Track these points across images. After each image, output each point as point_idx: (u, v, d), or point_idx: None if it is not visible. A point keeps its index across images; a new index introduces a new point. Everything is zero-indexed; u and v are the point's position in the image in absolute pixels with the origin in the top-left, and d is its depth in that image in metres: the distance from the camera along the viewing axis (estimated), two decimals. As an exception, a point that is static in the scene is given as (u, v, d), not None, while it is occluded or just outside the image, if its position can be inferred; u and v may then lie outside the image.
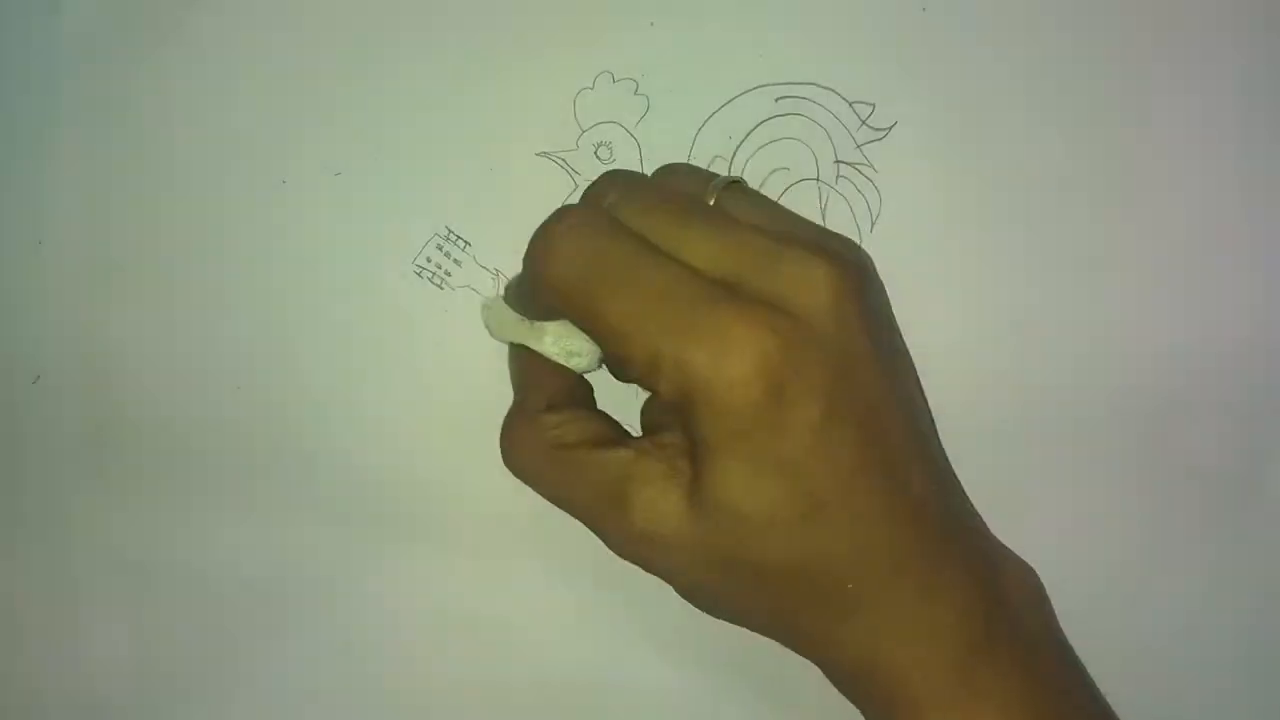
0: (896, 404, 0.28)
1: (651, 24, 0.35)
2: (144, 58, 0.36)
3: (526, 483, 0.30)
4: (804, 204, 0.35)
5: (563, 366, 0.30)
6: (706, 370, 0.25)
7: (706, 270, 0.26)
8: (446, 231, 0.35)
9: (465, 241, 0.35)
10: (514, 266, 0.35)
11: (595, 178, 0.30)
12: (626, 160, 0.35)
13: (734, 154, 0.35)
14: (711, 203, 0.29)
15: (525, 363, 0.31)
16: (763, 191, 0.35)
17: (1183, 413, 0.34)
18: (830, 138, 0.34)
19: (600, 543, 0.35)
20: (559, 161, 0.35)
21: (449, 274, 0.35)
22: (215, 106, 0.36)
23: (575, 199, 0.35)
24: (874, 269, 0.29)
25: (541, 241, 0.28)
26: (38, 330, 0.36)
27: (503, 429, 0.30)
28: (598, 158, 0.35)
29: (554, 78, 0.35)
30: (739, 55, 0.35)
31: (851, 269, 0.27)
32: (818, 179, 0.35)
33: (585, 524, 0.29)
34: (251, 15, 0.36)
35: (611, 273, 0.26)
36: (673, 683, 0.35)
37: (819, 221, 0.34)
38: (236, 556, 0.36)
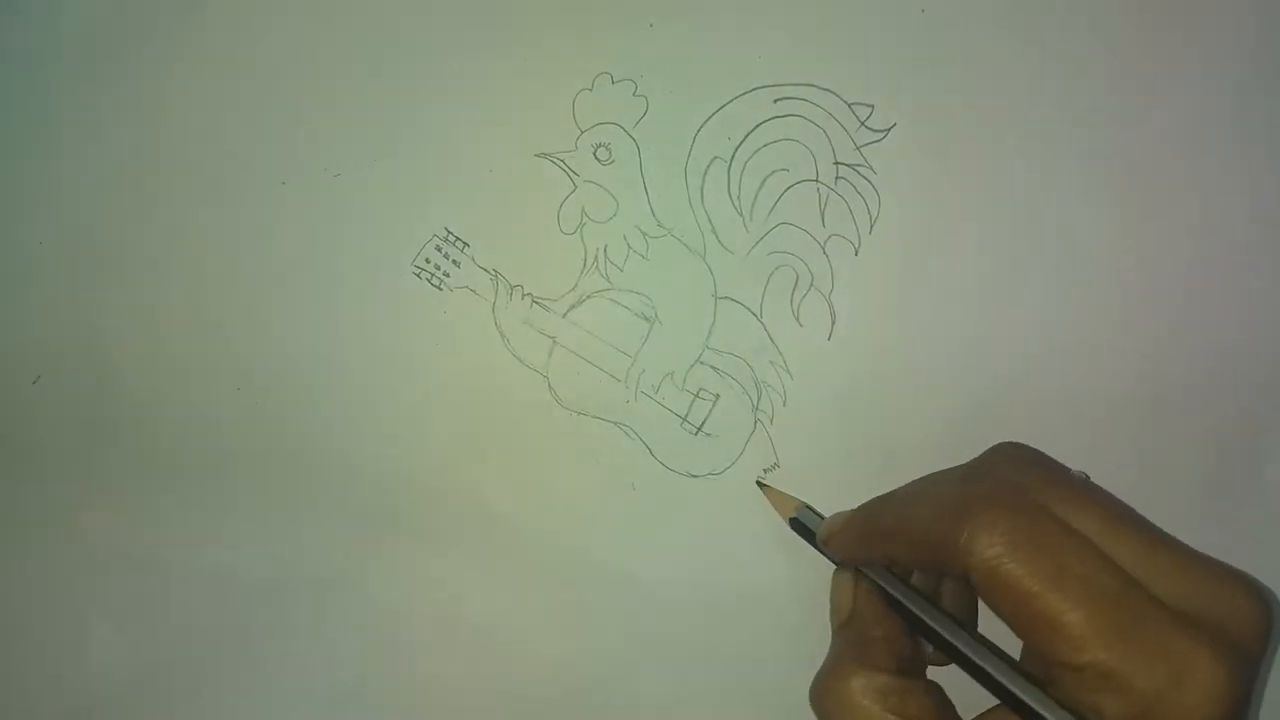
0: None
1: (651, 25, 0.35)
2: (144, 58, 0.36)
3: None
4: (803, 205, 0.35)
5: (907, 628, 0.27)
6: (1169, 700, 0.23)
7: (1138, 579, 0.24)
8: (445, 232, 0.35)
9: (464, 242, 0.35)
10: (513, 267, 0.35)
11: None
12: (625, 161, 0.35)
13: (733, 155, 0.35)
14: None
15: (874, 608, 0.28)
16: (762, 192, 0.35)
17: (1182, 412, 0.34)
18: (829, 139, 0.34)
19: (600, 543, 0.35)
20: (558, 162, 0.35)
21: (447, 275, 0.35)
22: (215, 106, 0.36)
23: (573, 200, 0.35)
24: None
25: (963, 506, 0.24)
26: (38, 331, 0.36)
27: (830, 669, 0.27)
28: (596, 159, 0.35)
29: (553, 79, 0.35)
30: (738, 56, 0.35)
31: (1276, 607, 0.25)
32: (817, 180, 0.34)
33: None
34: (251, 15, 0.36)
35: (1061, 565, 0.24)
36: (672, 683, 0.35)
37: (818, 223, 0.35)
38: (236, 556, 0.36)
